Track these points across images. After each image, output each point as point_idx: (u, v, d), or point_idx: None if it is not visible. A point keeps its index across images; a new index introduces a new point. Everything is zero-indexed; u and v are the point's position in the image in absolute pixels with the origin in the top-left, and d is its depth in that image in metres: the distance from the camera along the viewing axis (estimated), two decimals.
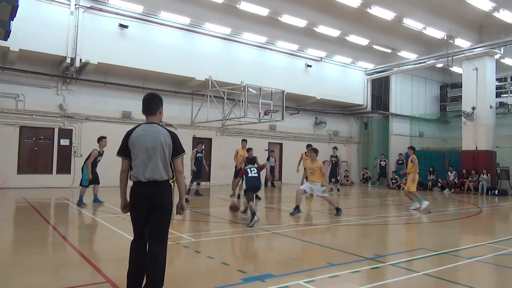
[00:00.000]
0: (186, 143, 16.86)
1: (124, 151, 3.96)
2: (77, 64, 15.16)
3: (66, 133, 16.25)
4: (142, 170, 3.86)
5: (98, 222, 8.36)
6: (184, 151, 4.09)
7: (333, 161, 17.30)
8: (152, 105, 4.03)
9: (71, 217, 9.65)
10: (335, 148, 17.89)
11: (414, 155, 12.05)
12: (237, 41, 19.33)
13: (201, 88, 18.69)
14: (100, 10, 15.69)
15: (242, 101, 16.05)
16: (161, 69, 17.02)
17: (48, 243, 6.80)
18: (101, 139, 11.37)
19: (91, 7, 15.49)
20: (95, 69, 16.10)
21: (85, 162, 11.21)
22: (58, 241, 6.83)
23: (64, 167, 16.17)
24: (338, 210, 10.02)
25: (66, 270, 5.07)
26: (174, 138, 3.99)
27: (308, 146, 15.61)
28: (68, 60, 14.97)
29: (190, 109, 19.12)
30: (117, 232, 7.27)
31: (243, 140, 14.34)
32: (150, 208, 3.90)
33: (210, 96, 17.60)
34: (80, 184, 11.16)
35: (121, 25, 16.01)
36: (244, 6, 15.70)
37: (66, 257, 5.76)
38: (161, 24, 17.04)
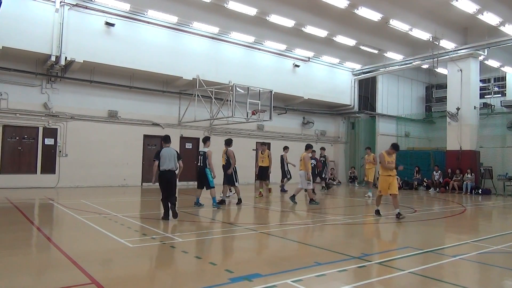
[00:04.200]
0: (174, 143, 16.72)
1: (157, 156, 8.83)
2: (62, 62, 14.95)
3: (51, 133, 16.00)
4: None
5: (84, 223, 8.24)
6: (181, 157, 9.11)
7: (322, 161, 17.34)
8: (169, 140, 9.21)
9: (56, 218, 9.50)
10: (322, 148, 17.97)
11: (373, 153, 16.10)
12: (225, 40, 19.29)
13: (189, 88, 18.59)
14: (86, 7, 15.49)
15: (230, 100, 16.02)
16: (148, 68, 16.89)
17: (32, 244, 6.68)
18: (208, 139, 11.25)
19: (76, 5, 15.28)
20: (80, 68, 15.89)
21: (207, 165, 10.83)
22: (42, 242, 6.71)
23: (49, 167, 15.92)
24: (311, 200, 12.12)
25: (50, 272, 4.99)
26: (177, 152, 8.98)
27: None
28: (53, 58, 14.76)
29: (178, 109, 19.01)
30: (103, 233, 7.18)
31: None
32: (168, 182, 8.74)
33: (197, 95, 17.53)
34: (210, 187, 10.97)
35: (108, 23, 15.82)
36: (232, 6, 15.67)
37: (50, 258, 5.67)
38: (148, 22, 16.90)
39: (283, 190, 16.35)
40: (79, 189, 15.42)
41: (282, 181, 16.63)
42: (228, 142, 11.92)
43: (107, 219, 8.74)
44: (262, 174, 14.34)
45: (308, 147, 12.50)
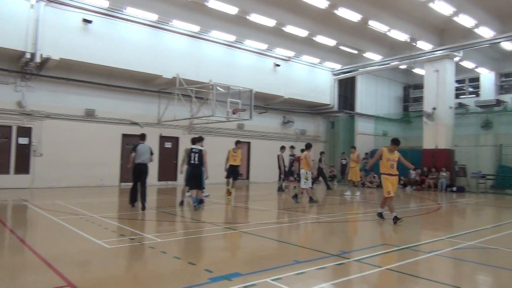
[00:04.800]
0: (153, 142, 16.59)
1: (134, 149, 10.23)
2: (38, 59, 14.57)
3: (25, 132, 15.57)
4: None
5: (59, 224, 8.06)
6: (153, 153, 10.49)
7: (291, 160, 17.04)
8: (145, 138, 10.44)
9: (30, 219, 9.25)
10: (292, 147, 17.80)
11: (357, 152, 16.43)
12: (205, 39, 19.18)
13: (169, 86, 18.40)
14: (62, 3, 15.13)
15: (210, 99, 15.94)
16: (126, 66, 16.63)
17: (4, 247, 6.47)
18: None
19: (53, 1, 14.90)
20: (57, 65, 15.51)
21: (203, 164, 10.60)
22: (15, 244, 6.52)
23: (23, 167, 15.48)
24: (310, 198, 12.34)
25: (24, 275, 4.86)
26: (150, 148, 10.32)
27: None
28: (28, 56, 14.35)
29: (157, 108, 18.79)
30: (79, 234, 7.04)
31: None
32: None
33: (177, 94, 17.37)
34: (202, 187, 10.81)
35: (85, 20, 15.50)
36: (213, 4, 15.58)
37: (24, 261, 5.52)
38: (127, 20, 16.65)
39: (280, 190, 16.49)
40: (54, 190, 15.06)
41: (281, 180, 16.80)
42: (198, 139, 11.59)
43: (83, 220, 8.57)
44: (234, 173, 13.70)
45: (308, 146, 12.73)
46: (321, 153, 18.87)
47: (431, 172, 19.98)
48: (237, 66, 20.33)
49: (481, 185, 20.03)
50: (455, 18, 16.83)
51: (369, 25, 17.72)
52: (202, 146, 10.75)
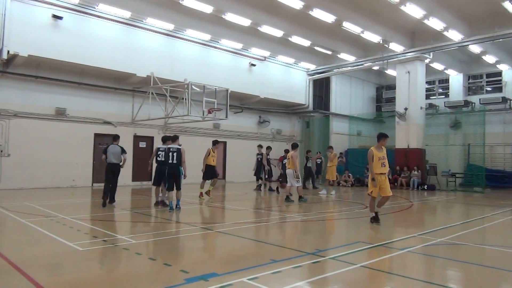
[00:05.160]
0: (127, 142, 16.28)
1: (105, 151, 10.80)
2: (4, 56, 14.03)
3: None
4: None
5: (28, 226, 7.78)
6: (125, 152, 10.98)
7: (258, 159, 16.82)
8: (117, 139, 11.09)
9: None
10: (259, 146, 17.51)
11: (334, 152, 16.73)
12: (180, 37, 18.98)
13: (143, 85, 18.11)
14: None
15: (186, 99, 15.78)
16: (99, 64, 16.25)
17: None
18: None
19: None
20: (25, 62, 14.99)
21: (181, 164, 10.24)
22: None
23: None
24: (300, 197, 12.66)
25: None
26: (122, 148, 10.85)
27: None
28: None
29: (131, 107, 18.46)
30: (50, 237, 6.82)
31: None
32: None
33: (152, 93, 17.11)
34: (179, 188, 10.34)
35: (55, 16, 15.04)
36: (187, 2, 15.42)
37: None
38: (99, 17, 16.26)
39: (270, 190, 16.61)
40: (24, 191, 14.56)
41: (268, 181, 16.98)
42: (173, 138, 11.23)
43: (54, 222, 8.32)
44: (213, 173, 13.42)
45: (294, 146, 13.08)
46: (308, 151, 18.68)
47: (403, 171, 20.49)
48: (213, 65, 20.22)
49: (450, 183, 20.72)
50: (426, 21, 17.29)
51: (343, 26, 17.99)
52: (179, 144, 10.56)
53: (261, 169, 16.75)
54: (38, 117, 15.87)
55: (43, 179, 15.84)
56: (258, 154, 16.97)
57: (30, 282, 4.39)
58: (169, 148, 10.33)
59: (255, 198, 14.49)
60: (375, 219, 8.60)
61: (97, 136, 17.49)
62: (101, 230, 7.61)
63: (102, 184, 11.53)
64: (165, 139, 11.11)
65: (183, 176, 10.30)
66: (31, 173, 15.58)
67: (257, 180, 17.04)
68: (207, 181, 13.34)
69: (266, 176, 16.86)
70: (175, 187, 10.13)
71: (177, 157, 10.11)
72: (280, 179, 15.52)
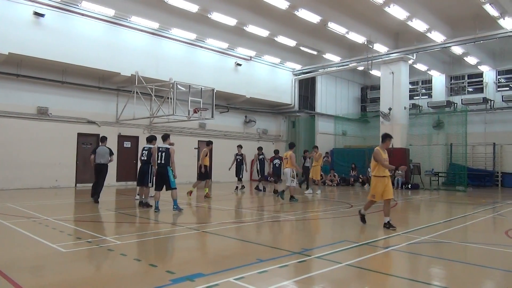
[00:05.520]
0: (111, 141, 16.06)
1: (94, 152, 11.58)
2: None
3: None
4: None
5: (9, 228, 7.61)
6: (113, 153, 11.81)
7: (238, 159, 16.71)
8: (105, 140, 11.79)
9: None
10: (239, 146, 17.44)
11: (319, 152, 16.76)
12: (165, 36, 18.83)
13: (127, 84, 17.90)
14: None
15: (171, 98, 15.66)
16: (82, 63, 16.00)
17: None
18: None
19: None
20: (5, 60, 14.66)
21: (169, 163, 9.96)
22: None
23: None
24: (291, 197, 12.77)
25: None
26: (109, 149, 11.68)
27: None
28: None
29: (115, 106, 18.24)
30: (32, 238, 6.68)
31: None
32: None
33: (136, 92, 16.93)
34: (171, 188, 10.03)
35: (36, 13, 14.75)
36: (173, 1, 15.30)
37: None
38: (82, 14, 16.02)
39: (257, 189, 16.64)
40: (5, 192, 14.23)
41: (261, 181, 17.05)
42: (163, 136, 11.11)
43: (36, 223, 8.15)
44: (207, 174, 13.73)
45: (292, 146, 13.57)
46: (305, 151, 18.52)
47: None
48: (198, 65, 20.12)
49: (434, 182, 21.07)
50: (409, 23, 17.54)
51: (328, 27, 18.11)
52: (171, 143, 10.43)
53: (241, 170, 16.66)
54: (20, 117, 15.55)
55: (25, 180, 15.52)
56: (237, 155, 16.82)
57: (12, 285, 4.29)
58: (159, 147, 10.20)
59: (241, 198, 14.47)
60: (362, 219, 8.64)
61: (80, 135, 17.23)
62: (85, 231, 7.49)
63: (85, 185, 11.60)
64: (150, 139, 11.01)
65: (173, 175, 10.00)
66: (13, 173, 15.24)
67: (239, 180, 16.84)
68: (201, 182, 13.64)
69: (260, 176, 17.01)
70: (164, 188, 9.99)
71: (165, 157, 9.92)
72: (274, 179, 15.73)
